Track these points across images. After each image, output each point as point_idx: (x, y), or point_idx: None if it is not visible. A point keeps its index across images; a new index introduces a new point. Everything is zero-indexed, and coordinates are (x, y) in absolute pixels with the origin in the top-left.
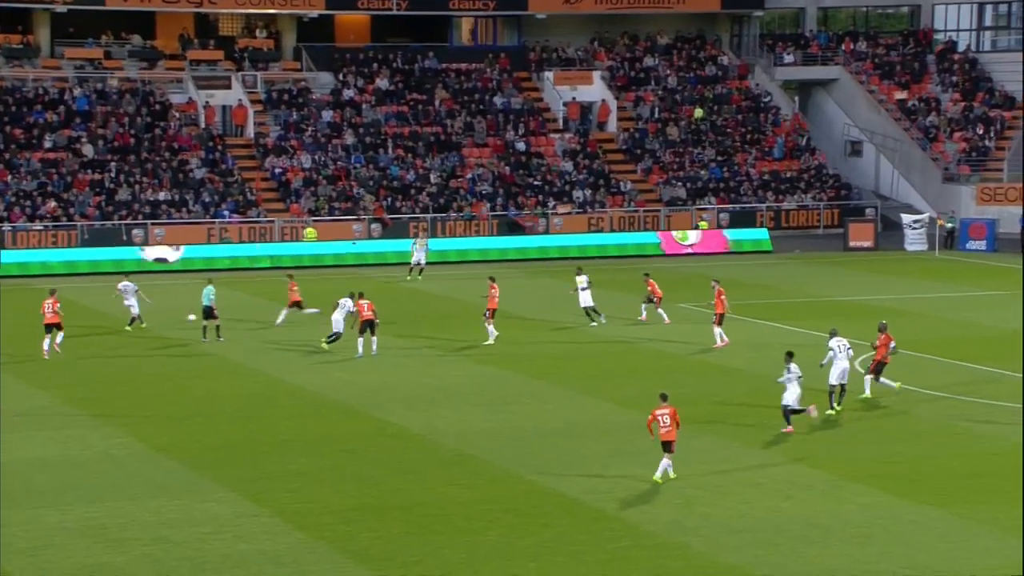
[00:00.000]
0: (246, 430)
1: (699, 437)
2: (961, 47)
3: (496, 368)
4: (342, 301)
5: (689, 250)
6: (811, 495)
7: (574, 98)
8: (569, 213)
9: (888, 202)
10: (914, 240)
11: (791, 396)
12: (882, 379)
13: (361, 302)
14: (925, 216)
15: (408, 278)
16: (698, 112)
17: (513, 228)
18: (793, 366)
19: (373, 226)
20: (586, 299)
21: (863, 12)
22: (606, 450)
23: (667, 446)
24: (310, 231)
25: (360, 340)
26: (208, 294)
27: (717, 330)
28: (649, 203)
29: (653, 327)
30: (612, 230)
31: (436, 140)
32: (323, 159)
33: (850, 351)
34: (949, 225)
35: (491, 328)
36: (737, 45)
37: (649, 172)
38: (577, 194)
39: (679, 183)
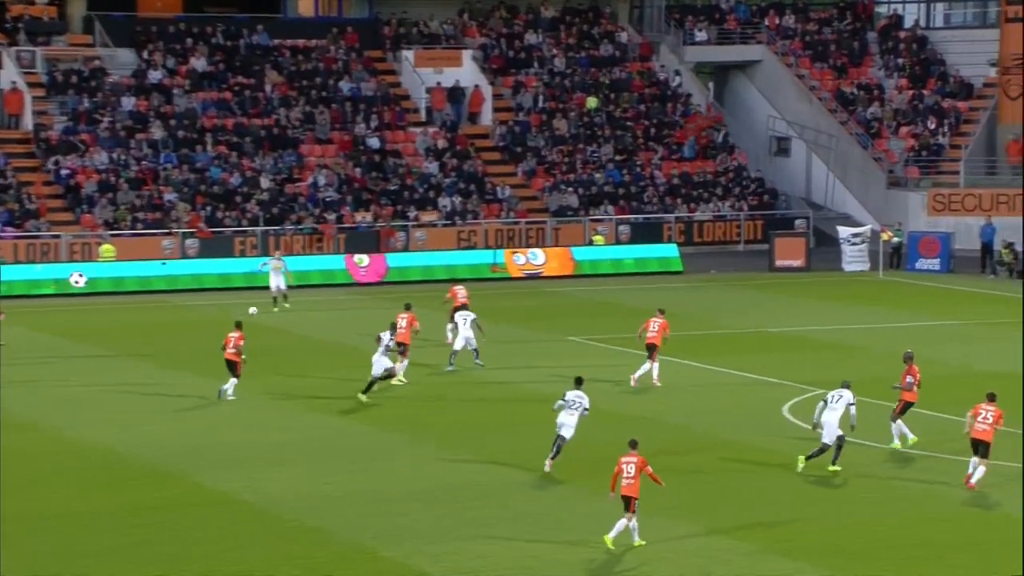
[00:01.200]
0: (20, 500)
1: (591, 498)
2: (908, 23)
3: (339, 418)
4: (382, 336)
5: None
6: (728, 571)
7: (439, 83)
8: (434, 224)
9: (822, 212)
10: (853, 258)
11: (567, 428)
12: (899, 422)
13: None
14: (866, 229)
15: (275, 310)
16: (591, 102)
17: (367, 244)
18: (573, 395)
19: (188, 242)
20: (467, 333)
21: None
22: (476, 517)
23: (626, 503)
24: (107, 248)
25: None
26: None
27: (654, 365)
28: (533, 213)
29: (532, 370)
30: (487, 246)
31: (268, 135)
32: (124, 158)
33: (850, 404)
34: (895, 240)
35: (401, 365)
36: (638, 19)
37: (532, 175)
38: (444, 202)
39: (569, 189)
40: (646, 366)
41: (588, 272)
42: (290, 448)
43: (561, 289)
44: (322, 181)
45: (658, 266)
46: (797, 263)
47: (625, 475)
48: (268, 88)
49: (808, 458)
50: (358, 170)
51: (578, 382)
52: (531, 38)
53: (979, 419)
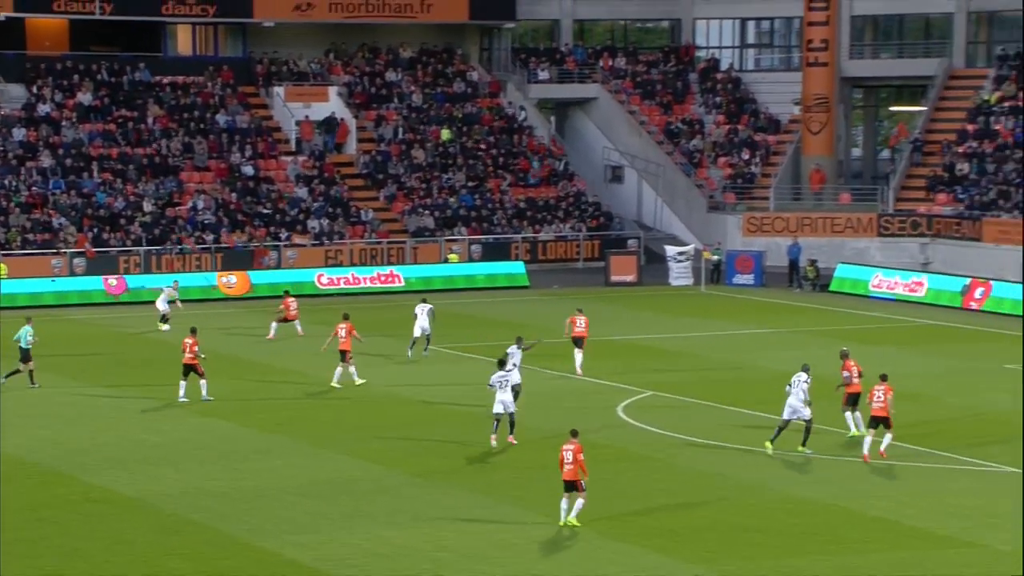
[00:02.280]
0: None
1: (450, 491)
2: (724, 65)
3: (222, 421)
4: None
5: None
6: (570, 555)
7: (307, 116)
8: (304, 245)
9: (652, 232)
10: (679, 274)
11: (508, 404)
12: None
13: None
14: (690, 248)
15: (163, 328)
16: (445, 133)
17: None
18: (498, 377)
19: (76, 261)
20: (423, 323)
21: (622, 26)
22: (345, 511)
23: (570, 486)
24: None
25: (183, 383)
26: (25, 335)
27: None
28: (393, 234)
29: (415, 369)
30: (352, 263)
31: (150, 163)
32: (15, 184)
33: (804, 386)
34: (715, 258)
35: (353, 370)
36: (488, 60)
37: (393, 199)
38: (312, 224)
39: (426, 212)
40: (579, 356)
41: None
42: (174, 449)
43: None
44: (200, 205)
45: (506, 281)
46: (630, 278)
47: (566, 461)
48: (150, 120)
49: (772, 440)
50: (234, 195)
51: (501, 364)
52: (391, 76)
53: (875, 400)
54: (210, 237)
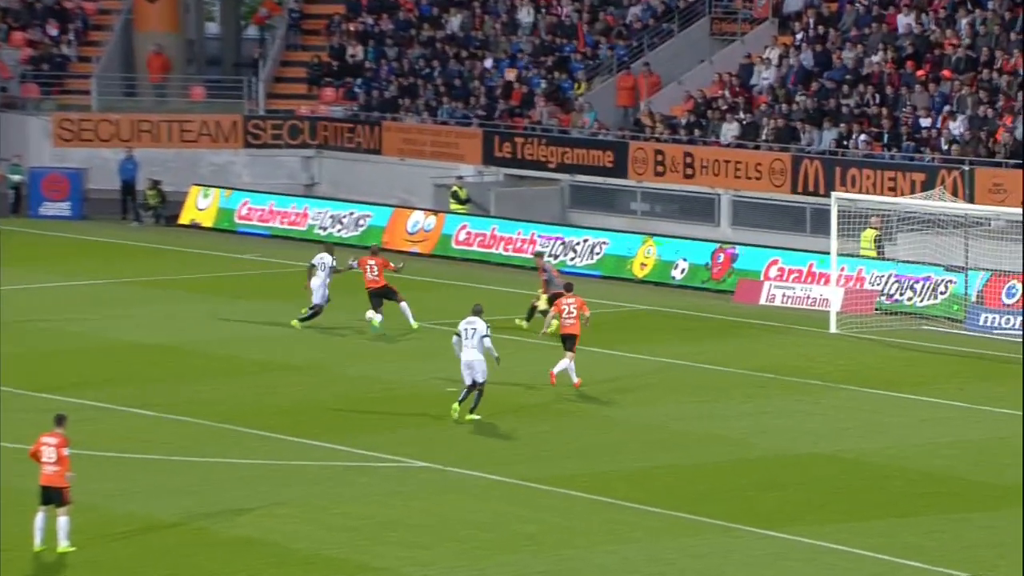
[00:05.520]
0: None
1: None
2: None
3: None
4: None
5: None
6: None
7: None
8: None
9: None
10: None
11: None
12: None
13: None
14: None
15: None
16: None
17: None
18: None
19: None
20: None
21: None
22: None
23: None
24: None
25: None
26: None
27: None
28: None
29: None
30: None
31: None
32: None
33: (484, 337)
34: (15, 178)
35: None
36: None
37: None
38: None
39: None
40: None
41: None
42: None
43: None
44: None
45: None
46: None
47: (566, 314)
48: None
49: (460, 402)
50: None
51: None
52: None
53: (564, 315)
54: None
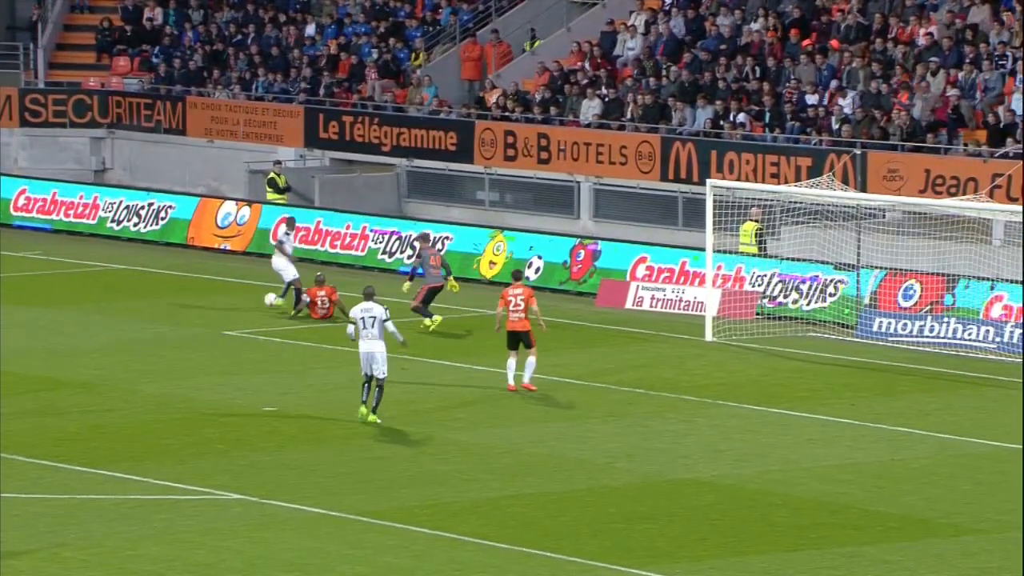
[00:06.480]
0: None
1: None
2: None
3: None
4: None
5: None
6: None
7: None
8: None
9: None
10: None
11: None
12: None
13: None
14: None
15: None
16: None
17: None
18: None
19: None
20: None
21: None
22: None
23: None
24: None
25: None
26: None
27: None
28: None
29: None
30: None
31: None
32: None
33: (385, 322)
34: None
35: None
36: None
37: None
38: None
39: None
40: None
41: None
42: None
43: None
44: None
45: None
46: None
47: (512, 307)
48: None
49: (364, 402)
50: None
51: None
52: None
53: (511, 308)
54: None
